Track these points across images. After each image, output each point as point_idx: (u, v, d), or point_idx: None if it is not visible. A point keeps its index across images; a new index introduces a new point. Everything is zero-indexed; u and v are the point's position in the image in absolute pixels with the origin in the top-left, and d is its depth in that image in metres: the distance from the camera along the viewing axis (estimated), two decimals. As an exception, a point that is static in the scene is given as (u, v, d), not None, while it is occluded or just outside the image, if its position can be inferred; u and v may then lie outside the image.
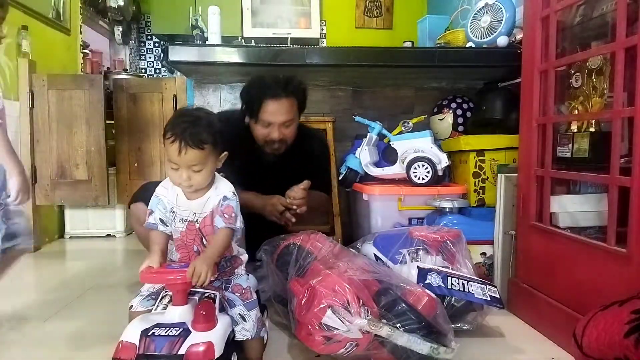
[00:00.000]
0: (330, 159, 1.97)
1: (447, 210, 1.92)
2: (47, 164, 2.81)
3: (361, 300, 1.18)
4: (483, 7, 2.26)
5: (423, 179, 2.06)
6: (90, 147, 2.83)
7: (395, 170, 2.16)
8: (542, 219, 1.53)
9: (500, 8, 2.17)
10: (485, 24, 2.23)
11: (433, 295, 1.31)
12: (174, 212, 1.20)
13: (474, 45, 2.27)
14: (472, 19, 2.31)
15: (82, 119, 2.80)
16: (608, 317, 1.06)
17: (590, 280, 1.32)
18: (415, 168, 2.06)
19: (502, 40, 2.15)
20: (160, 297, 1.16)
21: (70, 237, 3.12)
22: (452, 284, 1.40)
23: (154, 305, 1.16)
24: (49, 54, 3.01)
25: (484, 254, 1.86)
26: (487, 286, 1.46)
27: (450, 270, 1.49)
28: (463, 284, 1.42)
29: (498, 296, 1.45)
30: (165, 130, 1.14)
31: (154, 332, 1.01)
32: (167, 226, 1.21)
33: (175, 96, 2.82)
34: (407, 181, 2.12)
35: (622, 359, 0.99)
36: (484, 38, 2.23)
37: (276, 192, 1.72)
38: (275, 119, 1.63)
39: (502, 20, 2.16)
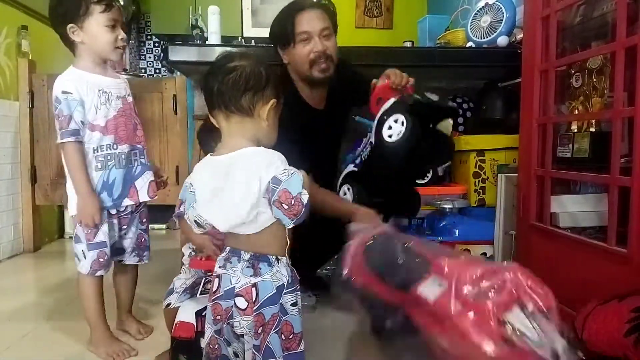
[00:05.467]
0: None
1: (447, 210, 1.92)
2: (47, 164, 2.80)
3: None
4: (483, 7, 2.26)
5: (423, 179, 2.06)
6: (90, 147, 2.83)
7: (395, 170, 2.15)
8: (542, 219, 1.53)
9: (501, 8, 2.17)
10: (485, 23, 2.23)
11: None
12: None
13: (474, 45, 2.27)
14: (472, 19, 2.31)
15: (82, 119, 2.79)
16: (608, 312, 1.06)
17: (590, 280, 1.32)
18: (415, 168, 2.06)
19: (502, 40, 2.15)
20: (203, 282, 1.23)
21: (70, 237, 3.10)
22: None
23: (188, 299, 1.23)
24: (48, 54, 3.01)
25: (484, 254, 1.86)
26: None
27: None
28: None
29: None
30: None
31: None
32: None
33: (175, 96, 2.81)
34: (407, 181, 2.11)
35: (621, 358, 0.99)
36: (484, 38, 2.23)
37: (329, 142, 1.75)
38: (312, 27, 1.58)
39: (502, 20, 2.16)
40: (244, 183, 0.89)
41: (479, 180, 2.03)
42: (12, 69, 2.66)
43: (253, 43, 3.33)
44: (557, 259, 1.47)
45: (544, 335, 0.83)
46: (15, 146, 2.69)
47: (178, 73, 2.76)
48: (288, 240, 0.96)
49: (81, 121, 1.29)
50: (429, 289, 0.92)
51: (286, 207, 0.86)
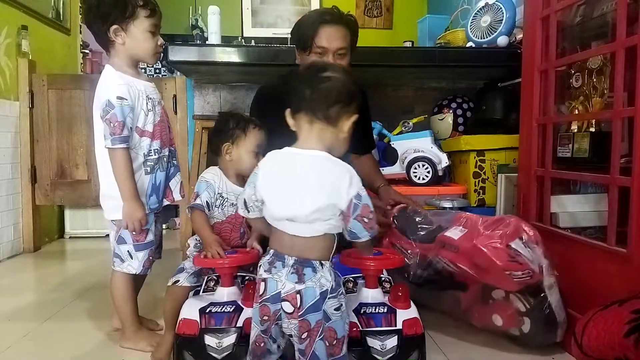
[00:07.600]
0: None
1: (448, 210, 1.92)
2: (47, 164, 2.81)
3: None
4: (483, 7, 2.27)
5: (423, 179, 2.06)
6: (90, 147, 2.82)
7: (395, 170, 2.16)
8: (542, 219, 1.53)
9: (501, 8, 2.17)
10: (485, 23, 2.23)
11: None
12: (223, 197, 1.31)
13: (474, 45, 2.27)
14: (472, 19, 2.31)
15: (82, 119, 2.79)
16: (608, 316, 1.06)
17: (590, 280, 1.32)
18: (415, 168, 2.06)
19: (502, 40, 2.15)
20: (205, 281, 1.27)
21: (70, 237, 3.11)
22: None
23: (196, 282, 1.29)
24: (48, 54, 3.01)
25: (484, 254, 1.86)
26: None
27: None
28: None
29: None
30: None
31: (211, 310, 1.14)
32: (210, 210, 1.28)
33: (175, 96, 2.81)
34: (407, 181, 2.12)
35: (622, 358, 0.99)
36: (484, 38, 2.23)
37: None
38: (330, 44, 1.58)
39: (502, 20, 2.16)
40: (317, 185, 0.93)
41: (479, 180, 2.03)
42: (12, 69, 2.66)
43: (253, 43, 3.33)
44: (557, 259, 1.47)
45: (534, 256, 1.28)
46: (15, 146, 2.69)
47: (178, 73, 2.76)
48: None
49: (130, 127, 1.29)
50: (452, 233, 1.41)
51: (366, 220, 0.92)
